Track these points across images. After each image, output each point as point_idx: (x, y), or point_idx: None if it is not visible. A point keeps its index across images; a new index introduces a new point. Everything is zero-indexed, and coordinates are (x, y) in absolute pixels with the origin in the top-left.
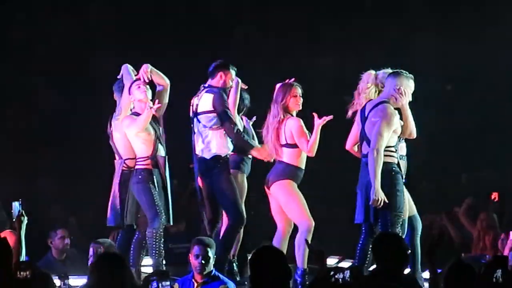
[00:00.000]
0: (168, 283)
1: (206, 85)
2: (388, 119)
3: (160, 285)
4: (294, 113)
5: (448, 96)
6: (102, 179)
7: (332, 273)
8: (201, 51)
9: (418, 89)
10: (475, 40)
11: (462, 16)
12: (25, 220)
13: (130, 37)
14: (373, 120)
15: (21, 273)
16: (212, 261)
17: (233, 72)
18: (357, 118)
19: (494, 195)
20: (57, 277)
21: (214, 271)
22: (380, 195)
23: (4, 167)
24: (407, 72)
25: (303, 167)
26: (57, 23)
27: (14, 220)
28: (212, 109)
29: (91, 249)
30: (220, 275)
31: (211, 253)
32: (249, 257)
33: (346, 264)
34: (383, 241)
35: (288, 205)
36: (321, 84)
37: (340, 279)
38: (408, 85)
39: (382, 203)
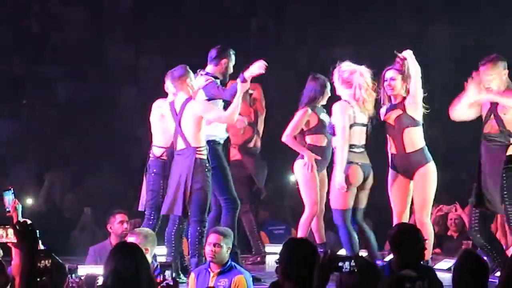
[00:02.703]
0: (169, 272)
1: (204, 72)
2: None
3: (164, 273)
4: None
5: (463, 88)
6: (117, 169)
7: (336, 262)
8: (216, 42)
9: (433, 80)
10: (490, 33)
11: (478, 9)
12: (19, 207)
13: (145, 27)
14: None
15: (42, 261)
16: (226, 251)
17: (233, 57)
18: None
19: None
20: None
21: (230, 261)
22: None
23: (19, 156)
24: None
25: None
26: (71, 13)
27: (8, 210)
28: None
29: None
30: (237, 265)
31: (224, 242)
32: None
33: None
34: (400, 232)
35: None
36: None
37: (344, 268)
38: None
39: None
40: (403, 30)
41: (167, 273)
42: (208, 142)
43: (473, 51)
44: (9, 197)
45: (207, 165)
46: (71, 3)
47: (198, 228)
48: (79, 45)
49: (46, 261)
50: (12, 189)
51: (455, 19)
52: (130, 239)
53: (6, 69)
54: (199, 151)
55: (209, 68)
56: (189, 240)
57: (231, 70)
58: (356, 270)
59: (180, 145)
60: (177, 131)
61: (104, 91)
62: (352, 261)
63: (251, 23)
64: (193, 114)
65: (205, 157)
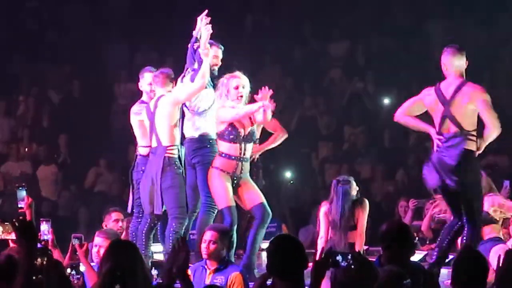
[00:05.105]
0: (156, 271)
1: (192, 69)
2: None
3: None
4: None
5: None
6: (113, 168)
7: (332, 257)
8: (212, 38)
9: (433, 74)
10: (486, 26)
11: (473, 2)
12: (33, 204)
13: (142, 25)
14: None
15: (38, 259)
16: (221, 248)
17: (220, 52)
18: None
19: (506, 184)
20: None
21: (226, 258)
22: None
23: (15, 153)
24: None
25: None
26: (68, 11)
27: (21, 207)
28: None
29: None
30: (234, 263)
31: (220, 240)
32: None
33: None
34: (389, 228)
35: None
36: (333, 70)
37: (341, 264)
38: None
39: None
40: (398, 24)
41: (154, 272)
42: (209, 139)
43: (467, 45)
44: (22, 194)
45: (176, 163)
46: (68, 0)
47: (174, 225)
48: (75, 42)
49: (44, 259)
50: (24, 186)
51: (452, 14)
52: (97, 239)
53: (3, 66)
54: (170, 150)
55: (197, 65)
56: (165, 237)
57: (219, 63)
58: (353, 266)
59: (154, 143)
60: (152, 129)
61: (101, 88)
62: (350, 256)
63: (246, 19)
64: (167, 106)
65: (175, 155)
